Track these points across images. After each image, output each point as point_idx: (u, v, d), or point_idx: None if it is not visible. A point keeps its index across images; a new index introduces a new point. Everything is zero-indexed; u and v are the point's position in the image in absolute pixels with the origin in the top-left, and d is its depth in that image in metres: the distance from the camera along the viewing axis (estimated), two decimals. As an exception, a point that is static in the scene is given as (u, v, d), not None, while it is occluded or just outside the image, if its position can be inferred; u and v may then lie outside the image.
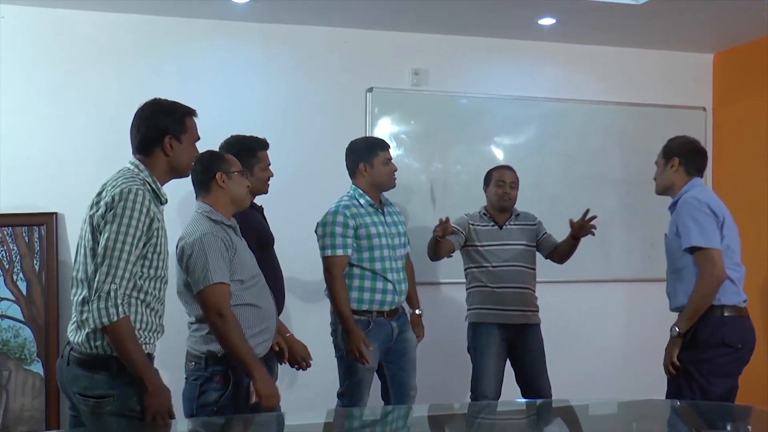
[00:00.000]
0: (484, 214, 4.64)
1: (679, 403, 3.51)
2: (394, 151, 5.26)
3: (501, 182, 4.59)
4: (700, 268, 3.50)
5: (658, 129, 5.85)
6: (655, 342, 5.64)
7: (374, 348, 3.98)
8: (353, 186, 4.13)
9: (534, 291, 4.59)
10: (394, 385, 4.18)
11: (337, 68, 5.28)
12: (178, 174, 2.86)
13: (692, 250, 3.53)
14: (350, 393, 4.05)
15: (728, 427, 3.02)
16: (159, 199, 2.75)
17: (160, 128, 2.75)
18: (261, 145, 3.82)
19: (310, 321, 4.61)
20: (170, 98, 4.83)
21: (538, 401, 4.43)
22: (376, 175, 4.08)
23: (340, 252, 3.95)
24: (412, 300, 4.43)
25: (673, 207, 3.76)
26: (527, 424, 3.35)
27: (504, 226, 4.58)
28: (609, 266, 5.34)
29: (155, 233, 2.64)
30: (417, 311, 4.43)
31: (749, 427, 2.61)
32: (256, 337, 3.17)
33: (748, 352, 3.62)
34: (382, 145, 4.16)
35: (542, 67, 5.69)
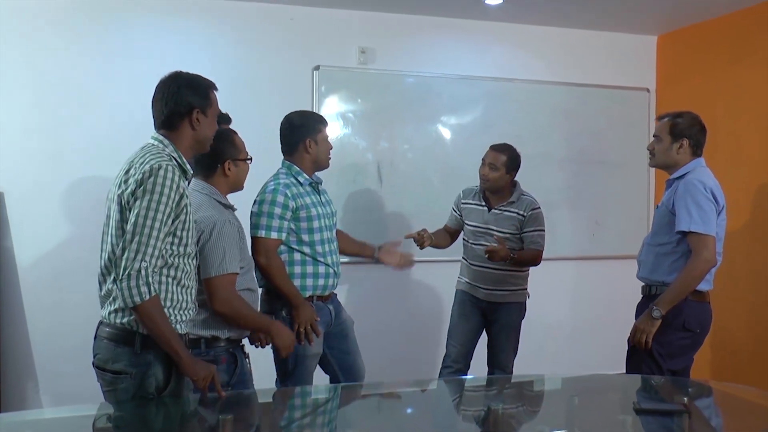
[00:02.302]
0: (479, 192, 4.59)
1: (625, 377, 3.58)
2: (341, 130, 5.30)
3: (483, 162, 4.50)
4: (693, 251, 3.50)
5: (603, 109, 5.97)
6: (600, 318, 5.81)
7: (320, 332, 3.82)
8: (288, 163, 3.85)
9: (516, 272, 4.51)
10: (343, 370, 3.98)
11: (283, 46, 5.24)
12: (201, 148, 2.82)
13: (686, 233, 3.52)
14: (296, 385, 3.76)
15: (670, 398, 3.08)
16: (185, 174, 2.71)
17: (189, 102, 2.70)
18: (223, 119, 3.60)
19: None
20: (115, 75, 4.83)
21: (476, 376, 4.53)
22: (320, 152, 3.84)
23: (275, 235, 3.66)
24: (365, 249, 4.26)
25: (670, 182, 3.72)
26: (468, 399, 3.38)
27: (492, 209, 4.51)
28: (554, 245, 5.39)
29: (184, 209, 2.61)
30: (376, 253, 4.21)
31: (685, 398, 2.67)
32: None
33: (703, 335, 3.68)
34: (323, 121, 3.93)
35: (489, 46, 5.71)
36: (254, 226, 3.70)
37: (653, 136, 3.82)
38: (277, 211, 3.67)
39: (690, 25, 5.77)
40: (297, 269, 3.78)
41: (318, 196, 3.87)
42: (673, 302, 3.51)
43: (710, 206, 3.53)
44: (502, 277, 4.50)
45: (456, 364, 4.60)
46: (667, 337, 3.56)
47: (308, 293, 3.79)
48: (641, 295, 3.80)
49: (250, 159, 3.28)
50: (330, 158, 3.93)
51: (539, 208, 4.52)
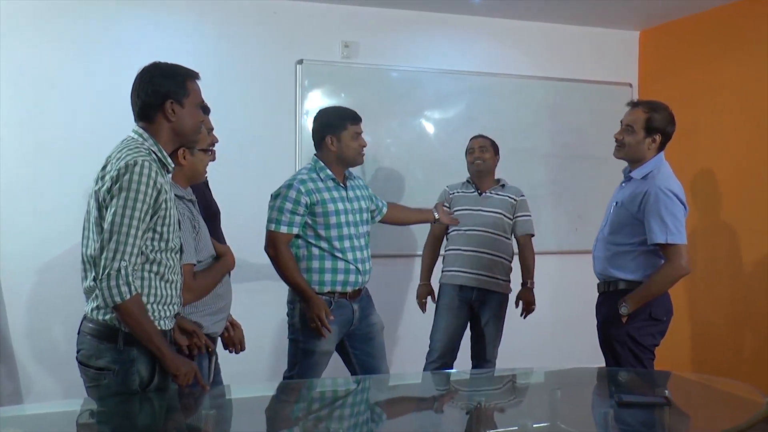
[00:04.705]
0: (468, 181, 4.74)
1: (604, 370, 3.60)
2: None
3: (471, 149, 4.70)
4: (669, 259, 3.53)
5: (586, 104, 5.98)
6: (582, 312, 5.80)
7: (333, 331, 3.77)
8: (314, 158, 3.87)
9: (506, 260, 4.66)
10: (363, 372, 3.94)
11: (266, 40, 5.21)
12: (184, 140, 2.76)
13: (662, 244, 3.53)
14: (300, 377, 3.80)
15: (651, 391, 3.11)
16: (165, 168, 2.66)
17: (161, 93, 2.63)
18: (202, 110, 3.63)
19: (254, 301, 4.55)
20: (96, 70, 4.80)
21: (459, 370, 4.56)
22: (344, 149, 3.82)
23: (284, 229, 3.72)
24: (424, 215, 4.33)
25: (629, 178, 3.72)
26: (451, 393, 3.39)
27: (483, 193, 4.65)
28: (538, 239, 5.38)
29: (162, 205, 2.56)
30: (436, 215, 4.24)
31: (666, 390, 2.70)
32: (213, 316, 3.11)
33: (668, 324, 3.71)
34: (353, 118, 3.88)
35: (472, 41, 5.71)
36: (267, 219, 3.78)
37: (624, 125, 3.75)
38: (288, 205, 3.72)
39: (672, 21, 5.79)
40: (315, 264, 3.80)
41: (344, 192, 3.85)
42: (641, 303, 3.55)
43: (682, 213, 3.57)
44: (494, 263, 4.62)
45: (441, 359, 4.63)
46: (638, 329, 3.59)
47: (327, 289, 3.79)
48: (598, 293, 3.82)
49: (211, 151, 3.20)
50: (363, 154, 3.90)
51: (525, 195, 4.75)
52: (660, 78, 5.98)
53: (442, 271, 4.75)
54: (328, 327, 3.72)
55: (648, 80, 6.09)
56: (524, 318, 4.73)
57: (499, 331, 4.68)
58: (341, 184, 3.86)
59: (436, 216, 4.24)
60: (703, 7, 5.43)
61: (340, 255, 3.79)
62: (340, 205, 3.80)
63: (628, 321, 3.56)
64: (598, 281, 3.84)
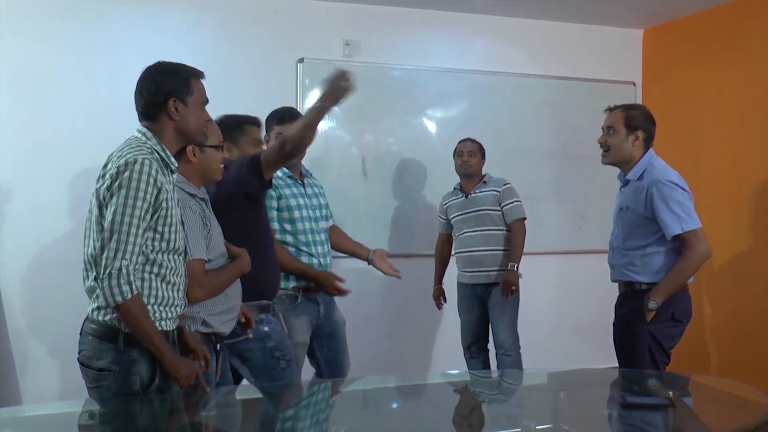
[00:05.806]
0: (455, 188, 4.95)
1: (607, 371, 3.59)
2: (325, 123, 5.17)
3: (460, 152, 4.87)
4: (688, 247, 3.50)
5: (589, 103, 5.93)
6: (585, 313, 5.81)
7: (304, 322, 3.86)
8: None
9: (501, 251, 4.78)
10: (329, 367, 4.07)
11: (267, 38, 5.21)
12: (189, 139, 2.73)
13: (680, 234, 3.51)
14: None
15: (655, 392, 3.09)
16: (168, 168, 2.63)
17: (164, 91, 2.60)
18: (250, 120, 3.70)
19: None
20: (95, 69, 4.78)
21: (461, 371, 4.56)
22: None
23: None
24: (359, 249, 4.24)
25: (626, 182, 3.70)
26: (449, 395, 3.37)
27: (469, 195, 4.83)
28: (540, 239, 5.40)
29: (163, 204, 2.53)
30: (370, 255, 4.19)
31: (670, 392, 2.68)
32: (221, 315, 3.06)
33: (686, 326, 3.68)
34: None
35: (474, 39, 5.70)
36: None
37: (605, 128, 3.75)
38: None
39: (676, 19, 5.77)
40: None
41: (302, 188, 3.91)
42: (668, 294, 3.51)
43: (688, 199, 3.55)
44: (493, 258, 4.77)
45: (468, 350, 4.97)
46: (660, 329, 3.56)
47: (292, 284, 3.82)
48: (618, 293, 3.78)
49: (220, 146, 3.13)
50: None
51: (510, 183, 4.84)
52: (664, 76, 5.95)
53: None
54: (345, 291, 3.91)
55: (651, 78, 6.07)
56: (506, 297, 4.70)
57: (507, 311, 4.77)
58: (299, 181, 3.93)
59: (370, 257, 4.17)
60: (707, 5, 5.41)
61: (305, 248, 3.86)
62: (301, 201, 3.88)
63: (652, 322, 3.52)
64: (612, 282, 3.80)
